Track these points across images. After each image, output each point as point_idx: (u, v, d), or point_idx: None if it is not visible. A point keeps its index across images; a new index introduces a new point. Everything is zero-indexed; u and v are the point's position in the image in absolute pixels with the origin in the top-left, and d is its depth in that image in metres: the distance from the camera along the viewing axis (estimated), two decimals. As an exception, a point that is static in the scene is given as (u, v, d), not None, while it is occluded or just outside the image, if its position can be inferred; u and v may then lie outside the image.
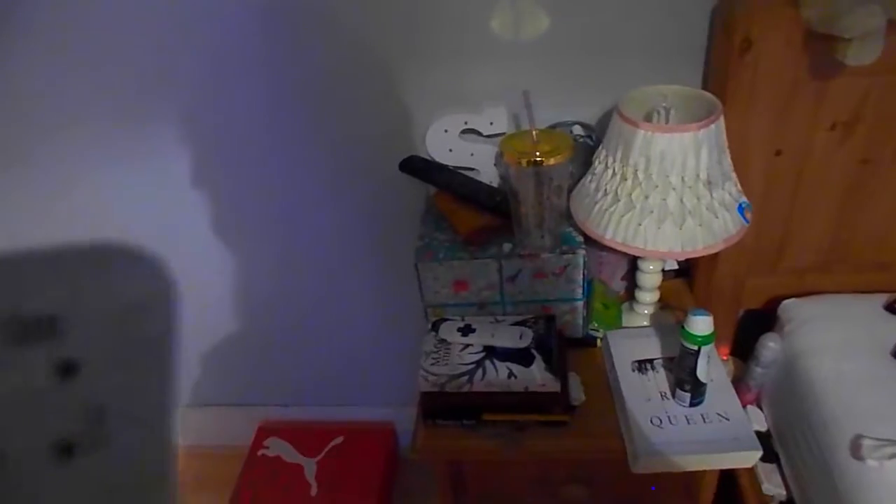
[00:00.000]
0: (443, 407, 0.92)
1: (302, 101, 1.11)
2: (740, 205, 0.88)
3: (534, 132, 0.91)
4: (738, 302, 1.15)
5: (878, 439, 0.85)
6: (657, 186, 0.84)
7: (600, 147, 0.91)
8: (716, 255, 0.95)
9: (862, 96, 0.95)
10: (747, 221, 0.88)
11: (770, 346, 1.03)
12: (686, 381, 0.86)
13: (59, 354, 0.18)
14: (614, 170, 0.87)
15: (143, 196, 1.23)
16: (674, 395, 0.89)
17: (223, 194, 1.24)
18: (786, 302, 1.09)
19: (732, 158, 0.88)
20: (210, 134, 1.16)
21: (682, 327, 0.84)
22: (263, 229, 1.28)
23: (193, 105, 1.12)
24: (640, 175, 0.84)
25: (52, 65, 1.08)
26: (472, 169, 1.09)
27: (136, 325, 0.19)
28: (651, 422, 0.87)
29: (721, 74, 0.95)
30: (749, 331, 1.15)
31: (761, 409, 1.10)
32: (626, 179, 0.86)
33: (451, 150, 1.07)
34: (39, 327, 0.18)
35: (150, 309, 0.19)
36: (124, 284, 0.19)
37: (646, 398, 0.90)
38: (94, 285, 0.19)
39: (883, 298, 1.04)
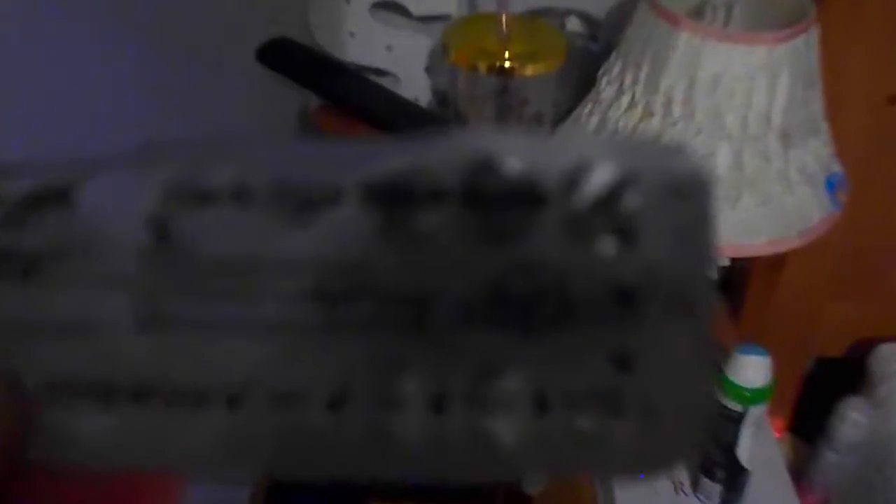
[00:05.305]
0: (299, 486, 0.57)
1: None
2: (831, 178, 0.58)
3: (503, 18, 0.61)
4: (809, 342, 0.81)
5: None
6: (700, 132, 0.56)
7: (611, 57, 0.61)
8: (782, 260, 0.67)
9: None
10: (839, 207, 0.58)
11: (853, 417, 0.70)
12: (718, 463, 0.59)
13: None
14: (633, 96, 0.59)
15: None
16: (695, 487, 0.62)
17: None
18: (884, 346, 0.76)
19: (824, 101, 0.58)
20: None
21: (721, 374, 0.57)
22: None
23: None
24: (677, 109, 0.56)
25: None
26: (386, 73, 0.74)
27: None
28: (654, 527, 0.59)
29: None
30: (819, 393, 0.81)
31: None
32: (651, 115, 0.58)
33: (352, 36, 0.72)
34: None
35: None
36: None
37: (650, 491, 0.63)
38: None
39: None
